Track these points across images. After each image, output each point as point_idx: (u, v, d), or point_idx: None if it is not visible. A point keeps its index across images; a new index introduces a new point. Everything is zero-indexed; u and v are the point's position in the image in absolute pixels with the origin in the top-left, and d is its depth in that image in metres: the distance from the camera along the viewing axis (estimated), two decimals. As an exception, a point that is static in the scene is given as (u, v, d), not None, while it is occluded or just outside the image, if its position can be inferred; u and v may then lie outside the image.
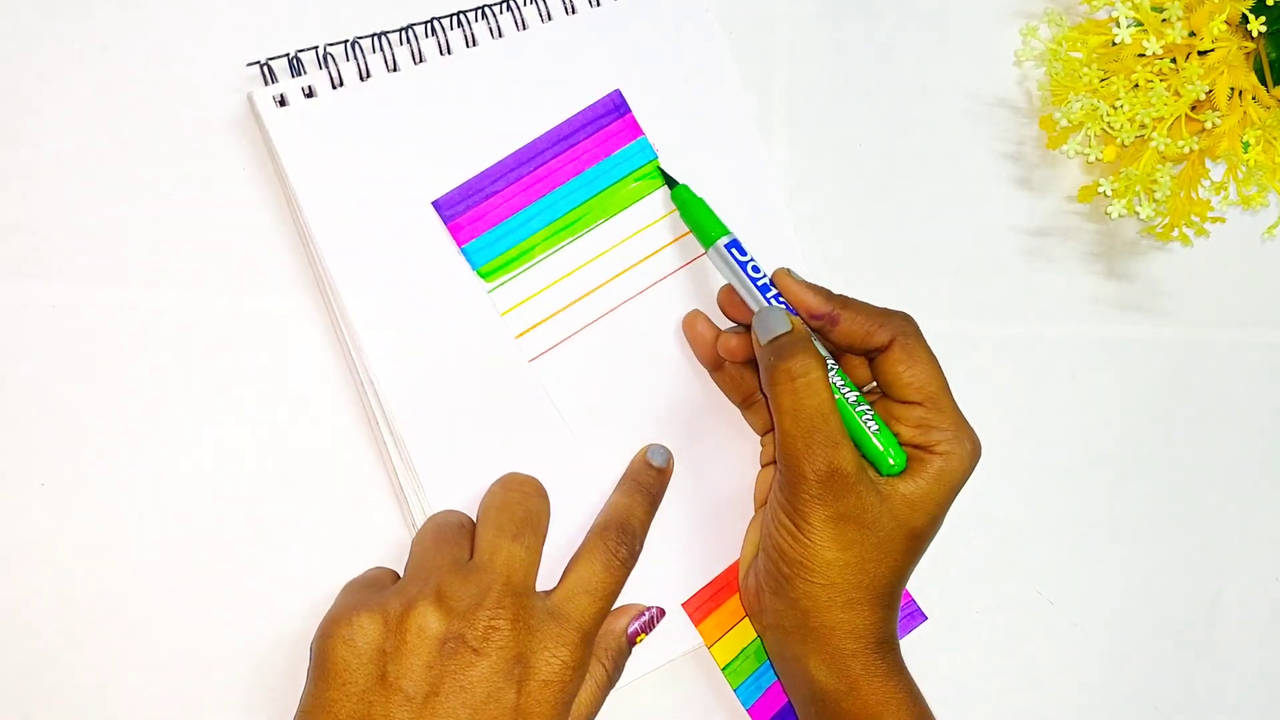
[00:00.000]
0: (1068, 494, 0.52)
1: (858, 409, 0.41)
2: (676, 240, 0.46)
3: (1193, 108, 0.47)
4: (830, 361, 0.41)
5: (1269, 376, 0.55)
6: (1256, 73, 0.48)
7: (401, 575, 0.40)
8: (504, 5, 0.44)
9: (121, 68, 0.41)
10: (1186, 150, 0.47)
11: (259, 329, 0.42)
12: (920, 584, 0.47)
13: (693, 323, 0.45)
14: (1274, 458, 0.54)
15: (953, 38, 0.52)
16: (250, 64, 0.41)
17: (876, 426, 0.40)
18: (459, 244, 0.43)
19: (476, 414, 0.43)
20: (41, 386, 0.40)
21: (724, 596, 0.45)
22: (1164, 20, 0.46)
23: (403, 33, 0.43)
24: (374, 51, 0.42)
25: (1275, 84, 0.47)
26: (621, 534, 0.40)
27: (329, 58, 0.42)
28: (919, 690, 0.41)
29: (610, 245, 0.45)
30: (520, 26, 0.44)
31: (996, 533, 0.50)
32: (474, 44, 0.43)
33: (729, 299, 0.44)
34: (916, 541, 0.40)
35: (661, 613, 0.43)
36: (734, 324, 0.45)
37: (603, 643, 0.40)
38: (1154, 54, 0.46)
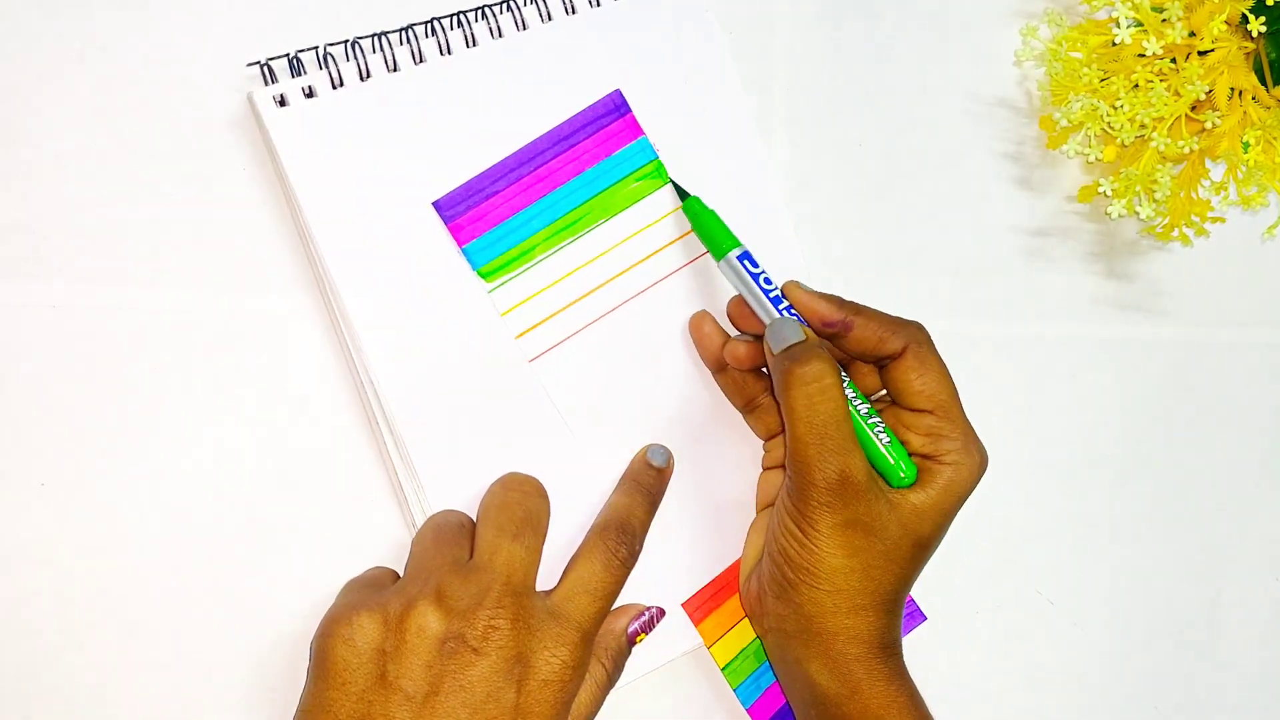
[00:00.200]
0: (1068, 494, 0.52)
1: (869, 420, 0.41)
2: (677, 240, 0.46)
3: (1193, 108, 0.47)
4: (842, 373, 0.41)
5: (1269, 376, 0.55)
6: (1256, 73, 0.48)
7: (401, 575, 0.40)
8: (504, 5, 0.44)
9: (121, 68, 0.41)
10: (1186, 150, 0.47)
11: (259, 329, 0.42)
12: (921, 584, 0.47)
13: (700, 324, 0.45)
14: (1274, 458, 0.54)
15: (953, 38, 0.52)
16: (250, 64, 0.41)
17: (887, 438, 0.40)
18: (459, 244, 0.43)
19: (476, 414, 0.43)
20: (41, 386, 0.40)
21: (724, 596, 0.45)
22: (1164, 20, 0.46)
23: (403, 33, 0.43)
24: (374, 52, 0.42)
25: (1275, 84, 0.47)
26: (621, 534, 0.40)
27: (329, 58, 0.42)
28: (920, 695, 0.41)
29: (611, 245, 0.45)
30: (520, 26, 0.44)
31: (996, 533, 0.50)
32: (474, 44, 0.43)
33: (739, 310, 0.44)
34: (922, 550, 0.41)
35: (661, 613, 0.43)
36: (741, 334, 0.45)
37: (602, 643, 0.40)
38: (1154, 54, 0.46)
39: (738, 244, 0.43)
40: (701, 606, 0.45)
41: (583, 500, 0.43)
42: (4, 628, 0.39)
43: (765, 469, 0.46)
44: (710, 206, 0.44)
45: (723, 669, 0.45)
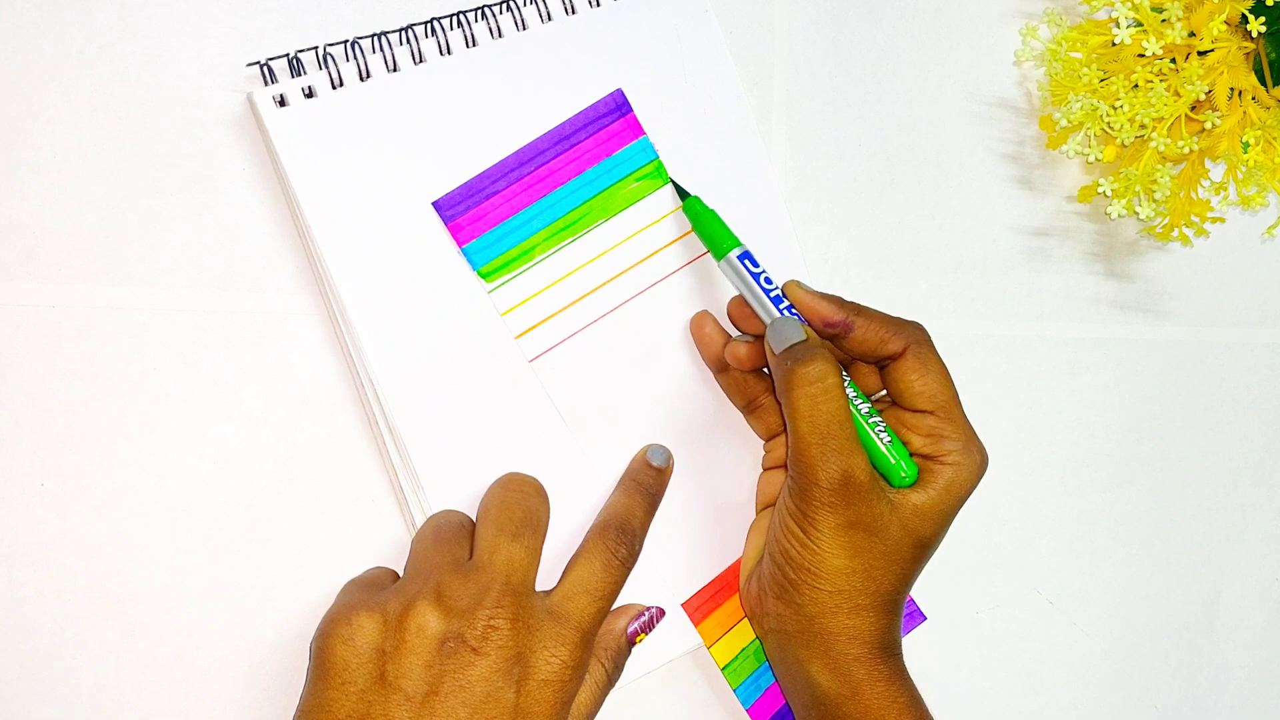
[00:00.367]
0: (1068, 494, 0.52)
1: (870, 420, 0.41)
2: (677, 240, 0.46)
3: (1193, 108, 0.47)
4: (843, 373, 0.41)
5: (1269, 376, 0.55)
6: (1256, 73, 0.48)
7: (401, 575, 0.40)
8: (504, 5, 0.44)
9: (121, 67, 0.41)
10: (1186, 150, 0.47)
11: (259, 329, 0.42)
12: (921, 584, 0.47)
13: (701, 324, 0.45)
14: (1274, 458, 0.54)
15: (953, 38, 0.52)
16: (250, 64, 0.41)
17: (889, 438, 0.40)
18: (459, 244, 0.43)
19: (476, 414, 0.43)
20: (41, 386, 0.40)
21: (724, 597, 0.45)
22: (1164, 20, 0.46)
23: (403, 33, 0.43)
24: (374, 52, 0.42)
25: (1275, 84, 0.47)
26: (621, 534, 0.40)
27: (329, 58, 0.42)
28: (920, 695, 0.41)
29: (611, 245, 0.45)
30: (520, 27, 0.44)
31: (996, 533, 0.50)
32: (474, 44, 0.43)
33: (739, 310, 0.44)
34: (922, 550, 0.41)
35: (661, 613, 0.43)
36: (742, 334, 0.45)
37: (602, 642, 0.40)
38: (1154, 54, 0.46)
39: (738, 243, 0.43)
40: (701, 607, 0.45)
41: (583, 500, 0.43)
42: (4, 628, 0.39)
43: (765, 469, 0.46)
44: (710, 206, 0.44)
45: (723, 669, 0.45)
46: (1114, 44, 0.47)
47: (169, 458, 0.41)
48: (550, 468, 0.42)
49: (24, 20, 0.41)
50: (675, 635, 0.44)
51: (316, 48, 0.42)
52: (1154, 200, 0.48)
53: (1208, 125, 0.47)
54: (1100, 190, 0.49)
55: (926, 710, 0.41)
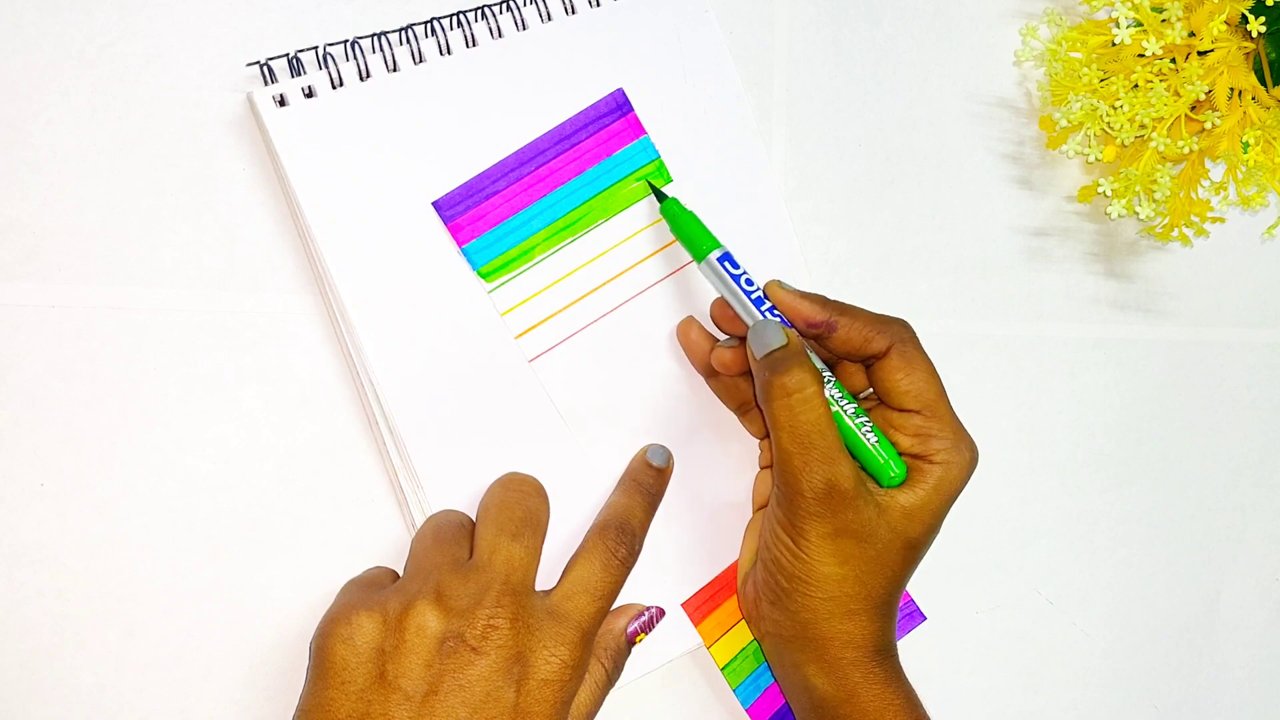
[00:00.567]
0: (1068, 494, 0.52)
1: (856, 421, 0.40)
2: (677, 240, 0.46)
3: (1192, 108, 0.47)
4: (827, 374, 0.41)
5: (1269, 376, 0.55)
6: (1256, 73, 0.48)
7: (401, 575, 0.40)
8: (504, 5, 0.44)
9: (121, 68, 0.41)
10: (1186, 150, 0.47)
11: (259, 329, 0.42)
12: (920, 584, 0.47)
13: (686, 330, 0.45)
14: (1273, 458, 0.54)
15: (953, 38, 0.52)
16: (250, 64, 0.41)
17: (875, 438, 0.40)
18: (459, 244, 0.43)
19: (476, 414, 0.43)
20: (41, 386, 0.40)
21: (723, 597, 0.45)
22: (1164, 20, 0.46)
23: (402, 33, 0.43)
24: (374, 52, 0.42)
25: (1275, 84, 0.47)
26: (620, 534, 0.40)
27: (329, 58, 0.42)
28: (917, 696, 0.41)
29: (611, 245, 0.45)
30: (520, 27, 0.44)
31: (996, 533, 0.50)
32: (474, 44, 0.43)
33: (722, 312, 0.44)
34: (913, 551, 0.40)
35: (661, 612, 0.43)
36: (727, 336, 0.44)
37: (602, 642, 0.40)
38: (1154, 54, 0.46)
39: (718, 245, 0.42)
40: (701, 607, 0.45)
41: (582, 500, 0.43)
42: (4, 628, 0.39)
43: (761, 468, 0.46)
44: (689, 208, 0.44)
45: (722, 669, 0.45)
46: (1114, 44, 0.47)
47: (169, 458, 0.41)
48: (550, 468, 0.42)
49: (24, 20, 0.41)
50: (675, 635, 0.44)
51: (316, 48, 0.42)
52: (1154, 200, 0.48)
53: (1208, 125, 0.47)
54: (1100, 190, 0.49)
55: (923, 711, 0.41)
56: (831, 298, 0.42)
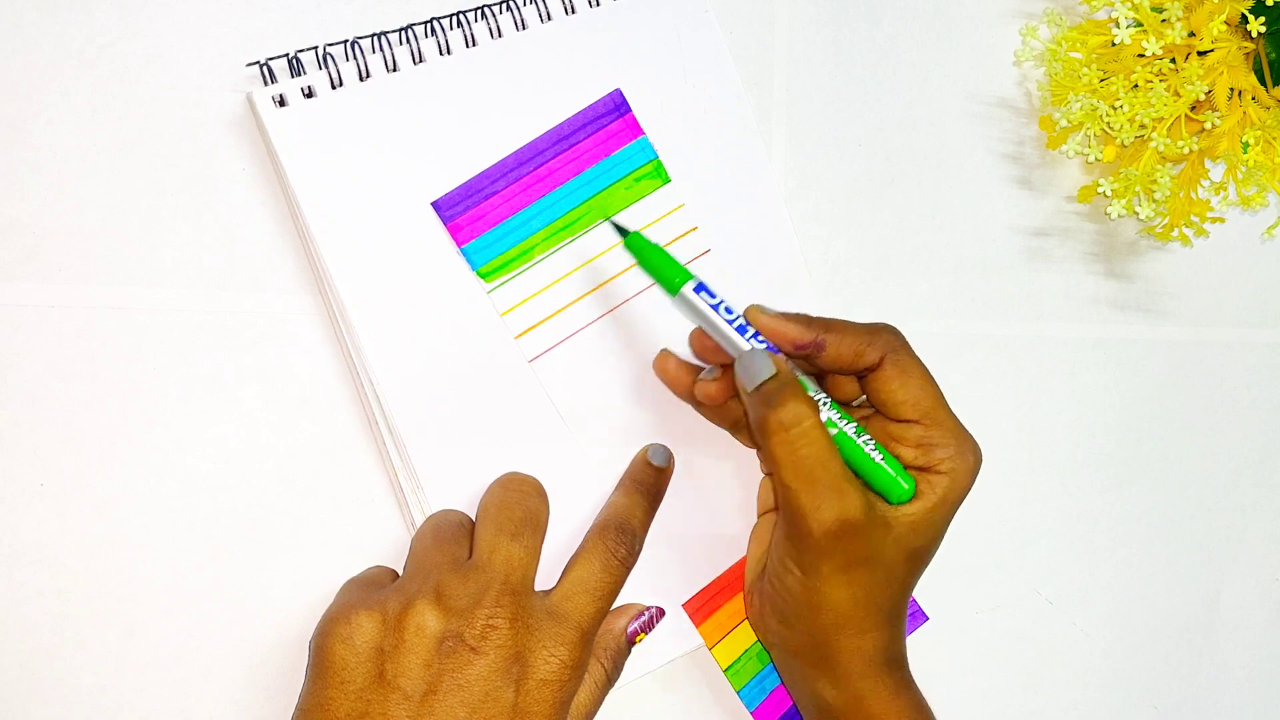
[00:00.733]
0: (1068, 494, 0.52)
1: (859, 439, 0.39)
2: (676, 240, 0.46)
3: (1192, 108, 0.47)
4: (822, 396, 0.40)
5: (1269, 376, 0.55)
6: (1256, 73, 0.48)
7: (401, 574, 0.40)
8: (503, 5, 0.44)
9: (121, 67, 0.41)
10: (1186, 150, 0.47)
11: (259, 329, 0.42)
12: (921, 584, 0.47)
13: (664, 364, 0.43)
14: (1274, 458, 0.54)
15: (953, 38, 0.52)
16: (250, 64, 0.41)
17: (881, 455, 0.39)
18: (459, 244, 0.43)
19: (476, 414, 0.43)
20: (41, 386, 0.40)
21: (724, 598, 0.45)
22: (1164, 20, 0.46)
23: (402, 33, 0.43)
24: (374, 52, 0.42)
25: (1275, 84, 0.47)
26: (620, 534, 0.40)
27: (329, 58, 0.42)
28: (927, 705, 0.41)
29: (610, 245, 0.45)
30: (520, 26, 0.44)
31: (996, 533, 0.50)
32: (473, 44, 0.43)
33: (701, 342, 0.42)
34: (919, 560, 0.40)
35: (661, 613, 0.43)
36: (709, 366, 0.43)
37: (602, 642, 0.40)
38: (1154, 54, 0.46)
39: (689, 275, 0.40)
40: (702, 607, 0.45)
41: (583, 500, 0.43)
42: (4, 628, 0.39)
43: (766, 473, 0.46)
44: (653, 241, 0.42)
45: (725, 671, 0.45)
46: (1114, 44, 0.47)
47: (169, 458, 0.41)
48: (550, 468, 0.42)
49: (24, 20, 0.41)
50: (675, 636, 0.44)
51: (316, 48, 0.42)
52: (1154, 200, 0.48)
53: (1208, 125, 0.47)
54: (1100, 190, 0.49)
55: (933, 718, 0.41)
56: (815, 314, 0.41)
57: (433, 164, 0.43)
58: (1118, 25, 0.46)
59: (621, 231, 0.42)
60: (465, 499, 0.42)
